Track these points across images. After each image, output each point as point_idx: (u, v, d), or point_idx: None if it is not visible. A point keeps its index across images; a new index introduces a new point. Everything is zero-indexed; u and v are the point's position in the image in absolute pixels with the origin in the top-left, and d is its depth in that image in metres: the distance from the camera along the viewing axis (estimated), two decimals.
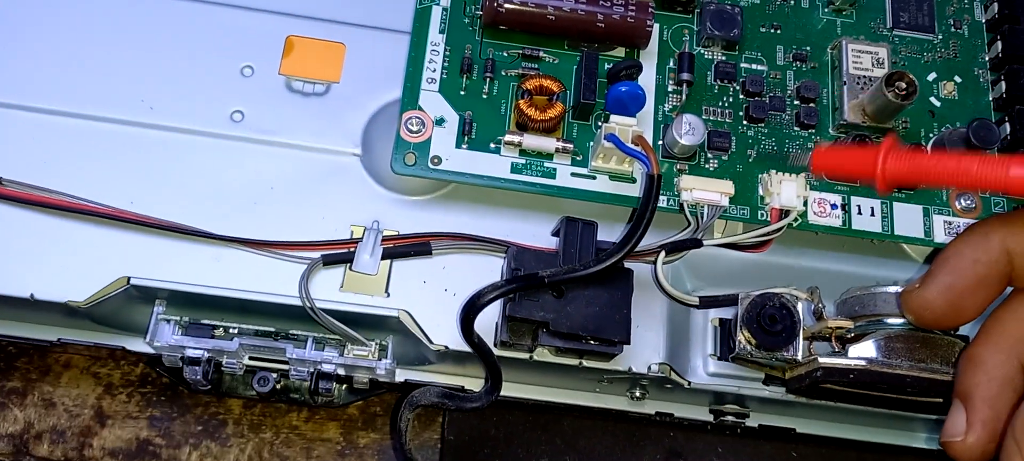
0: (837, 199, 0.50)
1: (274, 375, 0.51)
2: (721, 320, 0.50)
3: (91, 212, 0.48)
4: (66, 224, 0.48)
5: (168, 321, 0.49)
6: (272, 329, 0.49)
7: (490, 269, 0.50)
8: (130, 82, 0.51)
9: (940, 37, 0.54)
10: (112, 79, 0.51)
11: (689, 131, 0.48)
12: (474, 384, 0.51)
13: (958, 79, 0.53)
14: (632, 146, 0.47)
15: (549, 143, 0.49)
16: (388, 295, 0.49)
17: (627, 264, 0.47)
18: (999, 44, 0.53)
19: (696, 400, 0.52)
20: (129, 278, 0.47)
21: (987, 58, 0.54)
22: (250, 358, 0.51)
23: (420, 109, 0.50)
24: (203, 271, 0.48)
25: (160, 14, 0.53)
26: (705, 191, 0.48)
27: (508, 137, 0.49)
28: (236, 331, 0.49)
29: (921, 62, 0.54)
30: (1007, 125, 0.51)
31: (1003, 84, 0.52)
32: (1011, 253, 0.39)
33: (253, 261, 0.49)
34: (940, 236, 0.50)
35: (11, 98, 0.50)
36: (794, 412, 0.53)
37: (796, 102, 0.52)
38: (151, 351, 0.50)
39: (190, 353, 0.49)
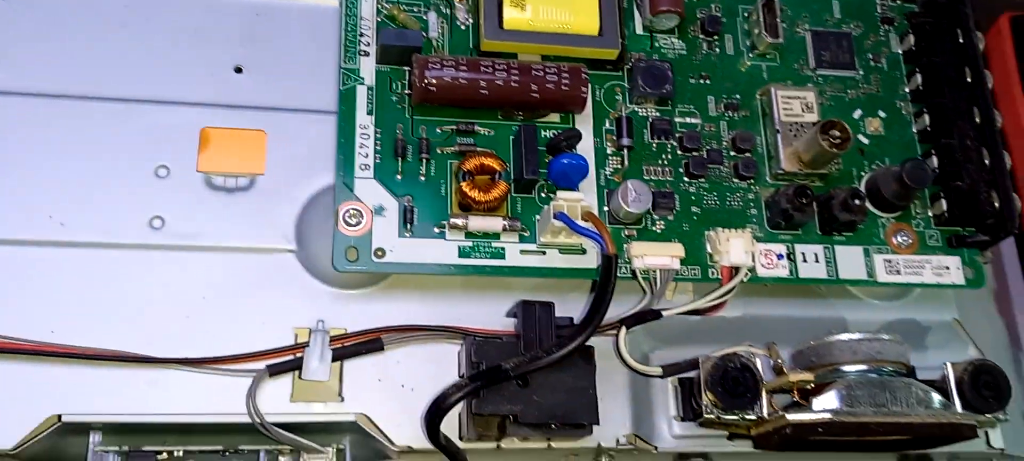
0: (782, 249, 0.50)
1: None
2: (681, 380, 0.50)
3: (9, 349, 0.44)
4: None
5: (106, 452, 0.45)
6: (220, 447, 0.46)
7: (446, 357, 0.48)
8: (34, 197, 0.47)
9: (861, 73, 0.55)
10: (12, 196, 0.47)
11: (636, 199, 0.48)
12: None
13: (883, 114, 0.54)
14: (583, 224, 0.46)
15: (495, 223, 0.48)
16: (342, 399, 0.47)
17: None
18: (919, 76, 0.54)
19: (658, 459, 0.51)
20: (60, 416, 0.43)
21: (908, 90, 0.55)
22: None
23: (356, 199, 0.47)
24: (140, 397, 0.45)
25: (59, 117, 0.49)
26: (656, 257, 0.48)
27: (453, 221, 0.47)
28: (181, 453, 0.46)
29: (846, 100, 0.54)
30: (934, 158, 0.52)
31: (926, 117, 0.53)
32: None
33: (193, 379, 0.46)
34: (883, 275, 0.51)
35: None
36: (758, 457, 0.52)
37: (732, 153, 0.52)
38: None
39: None
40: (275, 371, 0.46)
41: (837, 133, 0.49)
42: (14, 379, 0.44)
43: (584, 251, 0.48)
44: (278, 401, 0.46)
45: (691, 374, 0.48)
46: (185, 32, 0.52)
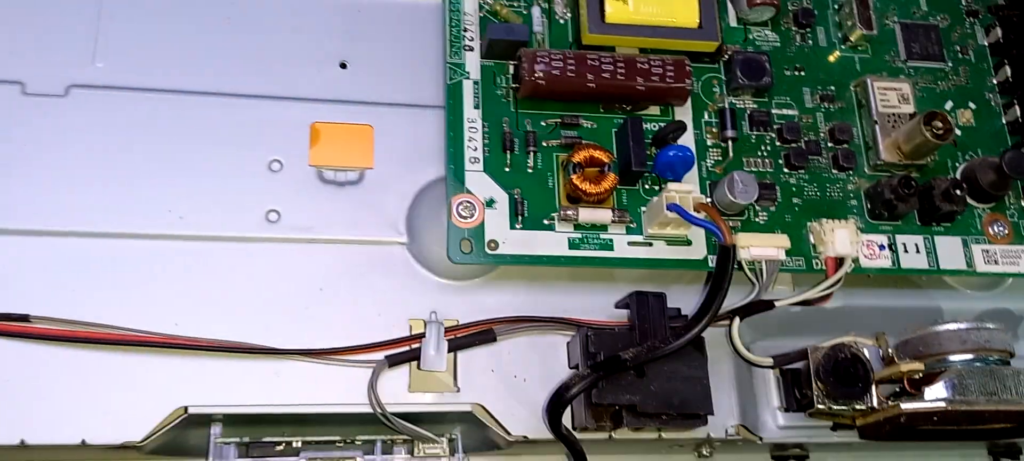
0: (883, 239, 0.51)
1: None
2: (783, 371, 0.50)
3: (136, 341, 0.45)
4: (109, 357, 0.45)
5: (227, 443, 0.46)
6: (337, 438, 0.47)
7: (555, 348, 0.49)
8: (154, 193, 0.48)
9: (950, 65, 0.56)
10: (134, 191, 0.48)
11: (743, 190, 0.48)
12: None
13: (972, 105, 0.55)
14: (698, 215, 0.46)
15: (604, 214, 0.48)
16: (458, 389, 0.47)
17: None
18: (1007, 68, 0.55)
19: (760, 449, 0.52)
20: (186, 408, 0.44)
21: (996, 82, 0.56)
22: None
23: (468, 191, 0.48)
24: (263, 388, 0.46)
25: (172, 113, 0.49)
26: (763, 248, 0.48)
27: (564, 212, 0.48)
28: (299, 444, 0.47)
29: (937, 91, 0.55)
30: None
31: (1017, 109, 0.54)
32: None
33: (313, 370, 0.46)
34: (981, 265, 0.51)
35: (23, 224, 0.46)
36: (852, 450, 0.53)
37: (830, 144, 0.52)
38: None
39: None
40: (394, 362, 0.47)
41: (940, 124, 0.50)
42: (141, 371, 0.45)
43: (689, 242, 0.49)
44: (396, 391, 0.47)
45: (796, 365, 0.49)
46: (290, 29, 0.53)
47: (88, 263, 0.46)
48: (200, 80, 0.50)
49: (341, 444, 0.47)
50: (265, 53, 0.52)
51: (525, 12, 0.52)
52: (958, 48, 0.56)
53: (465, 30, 0.51)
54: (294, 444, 0.47)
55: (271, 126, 0.50)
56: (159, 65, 0.50)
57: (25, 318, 0.44)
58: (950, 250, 0.51)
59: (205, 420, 0.45)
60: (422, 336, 0.47)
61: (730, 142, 0.51)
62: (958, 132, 0.54)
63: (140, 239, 0.47)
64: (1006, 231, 0.52)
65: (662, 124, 0.51)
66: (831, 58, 0.55)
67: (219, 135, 0.49)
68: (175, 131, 0.49)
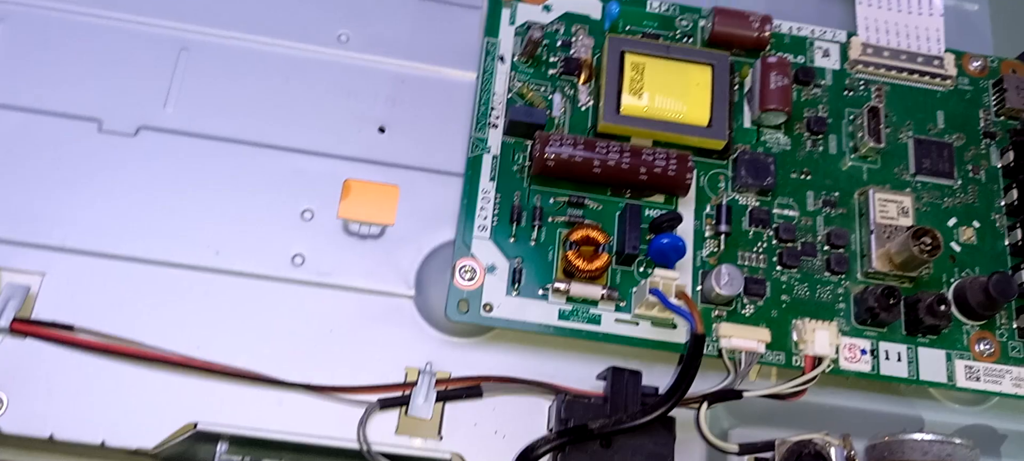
0: (866, 344, 0.53)
1: None
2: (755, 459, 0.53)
3: (160, 359, 0.50)
4: (135, 371, 0.50)
5: (231, 460, 0.51)
6: None
7: (537, 410, 0.52)
8: (196, 227, 0.54)
9: (959, 182, 0.57)
10: (179, 224, 0.54)
11: (728, 282, 0.51)
12: None
13: (977, 224, 0.56)
14: (675, 302, 0.50)
15: (595, 291, 0.52)
16: (441, 438, 0.51)
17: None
18: (1015, 191, 0.56)
19: None
20: (196, 424, 0.49)
21: (1003, 204, 0.57)
22: None
23: (472, 256, 0.52)
24: (267, 415, 0.50)
25: (224, 159, 0.56)
26: (743, 339, 0.51)
27: (556, 285, 0.52)
28: None
29: (941, 207, 0.57)
30: (1023, 273, 0.54)
31: (1019, 231, 0.55)
32: None
33: (314, 404, 0.51)
34: (962, 381, 0.53)
35: (82, 245, 0.53)
36: None
37: (826, 248, 0.55)
38: None
39: None
40: (385, 404, 0.51)
41: (928, 240, 0.52)
42: (159, 386, 0.50)
43: (675, 326, 0.52)
44: (385, 433, 0.51)
45: (767, 456, 0.51)
46: (339, 92, 0.58)
47: (131, 284, 0.52)
48: (254, 132, 0.57)
49: None
50: (315, 112, 0.58)
51: (550, 97, 0.57)
52: (970, 167, 0.58)
53: (492, 108, 0.56)
54: None
55: (310, 178, 0.56)
56: (220, 115, 0.57)
57: (70, 328, 0.50)
58: (932, 362, 0.53)
59: (213, 438, 0.51)
60: (414, 384, 0.52)
61: (723, 236, 0.54)
62: (958, 248, 0.56)
63: (179, 268, 0.53)
64: (993, 350, 0.54)
65: (663, 212, 0.54)
66: (843, 167, 0.57)
67: (263, 182, 0.55)
68: (225, 175, 0.55)
